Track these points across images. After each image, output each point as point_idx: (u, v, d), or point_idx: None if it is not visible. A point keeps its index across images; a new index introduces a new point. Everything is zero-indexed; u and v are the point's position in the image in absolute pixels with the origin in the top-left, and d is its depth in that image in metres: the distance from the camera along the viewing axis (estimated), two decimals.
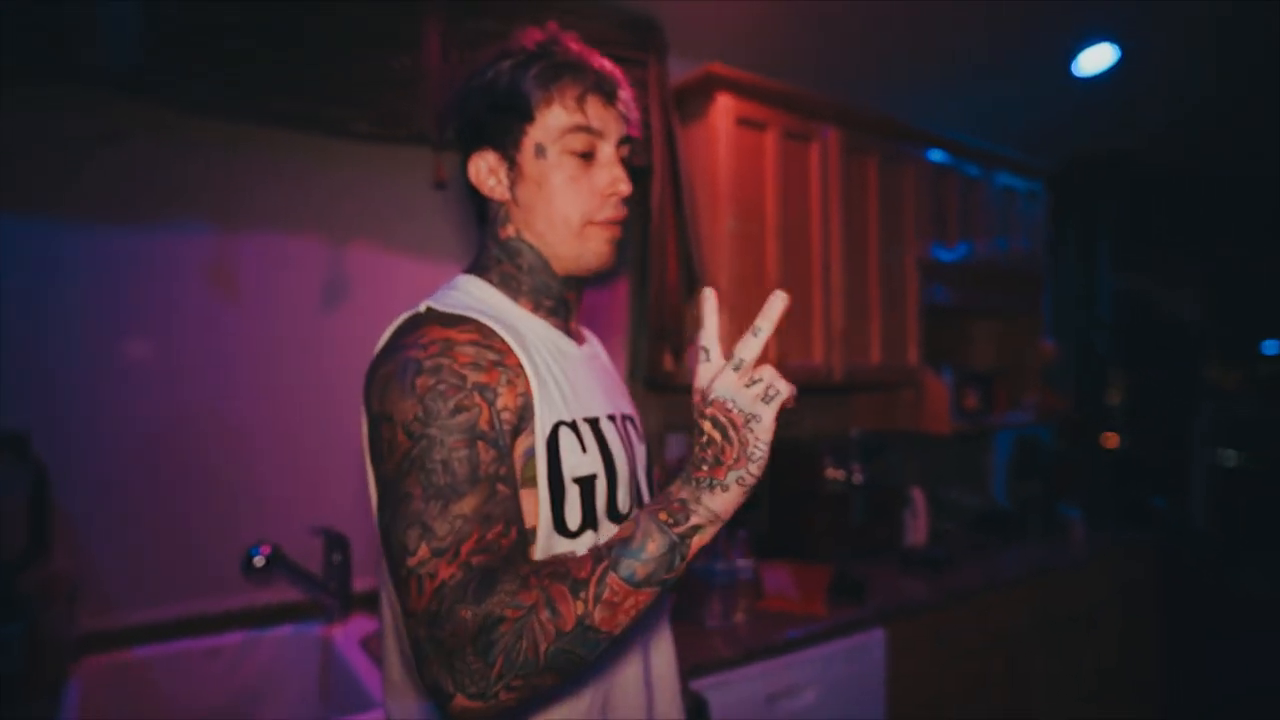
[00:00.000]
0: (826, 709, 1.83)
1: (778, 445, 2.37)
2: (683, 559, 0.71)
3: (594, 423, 0.87)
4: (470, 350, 0.77)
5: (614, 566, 0.68)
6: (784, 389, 0.72)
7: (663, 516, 0.71)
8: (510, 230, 0.92)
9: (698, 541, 0.71)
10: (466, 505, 0.70)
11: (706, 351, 0.76)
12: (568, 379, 0.87)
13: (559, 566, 0.69)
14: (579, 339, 0.98)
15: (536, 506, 0.80)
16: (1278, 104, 3.04)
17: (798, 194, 2.28)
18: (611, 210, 0.90)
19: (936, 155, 2.66)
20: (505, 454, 0.76)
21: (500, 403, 0.77)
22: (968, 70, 2.74)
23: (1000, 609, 2.30)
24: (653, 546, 0.70)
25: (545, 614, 0.66)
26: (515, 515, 0.74)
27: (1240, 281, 4.21)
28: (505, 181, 0.90)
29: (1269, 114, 3.13)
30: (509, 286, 0.92)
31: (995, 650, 2.29)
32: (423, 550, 0.68)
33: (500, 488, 0.73)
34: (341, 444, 1.86)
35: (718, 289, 2.11)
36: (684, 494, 0.72)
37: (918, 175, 2.60)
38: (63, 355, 1.58)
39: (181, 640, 1.62)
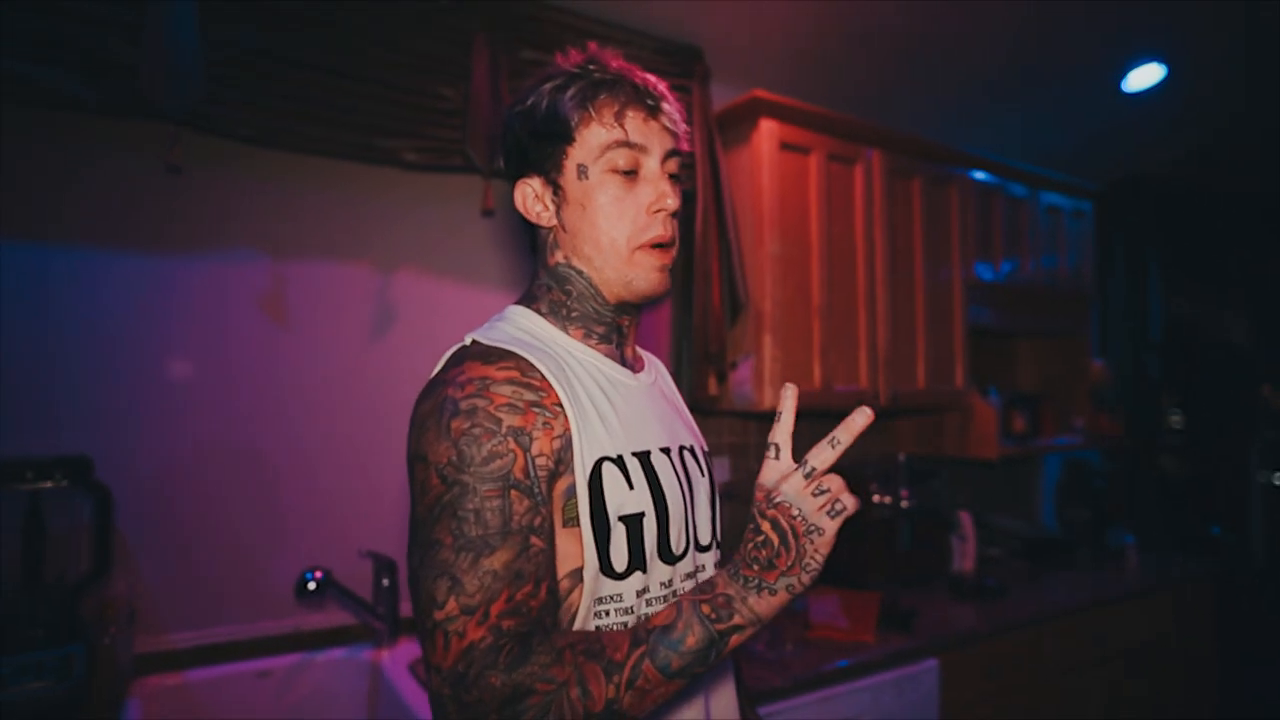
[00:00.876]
0: None
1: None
2: (719, 655, 0.70)
3: (644, 456, 0.84)
4: (507, 390, 0.75)
5: (651, 654, 0.68)
6: (850, 504, 0.70)
7: (706, 609, 0.70)
8: (559, 256, 0.89)
9: (736, 639, 0.71)
10: (497, 560, 0.69)
11: (776, 449, 0.74)
12: (616, 411, 0.84)
13: (594, 644, 0.69)
14: (636, 366, 0.95)
15: (581, 547, 0.77)
16: None
17: (842, 217, 2.27)
18: (660, 228, 0.86)
19: (981, 175, 2.64)
20: (540, 503, 0.74)
21: (535, 448, 0.75)
22: (1013, 90, 2.71)
23: (1053, 639, 2.23)
24: (692, 640, 0.69)
25: (576, 691, 0.66)
26: (546, 571, 0.73)
27: None
28: (551, 207, 0.88)
29: None
30: (558, 315, 0.89)
31: (1048, 683, 2.22)
32: (451, 605, 0.67)
33: (533, 541, 0.72)
34: (389, 468, 1.87)
35: (762, 313, 2.10)
36: (730, 590, 0.71)
37: (962, 196, 2.57)
38: (119, 381, 1.62)
39: (235, 663, 1.64)
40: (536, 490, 0.74)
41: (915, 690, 1.88)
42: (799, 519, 0.69)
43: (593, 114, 0.84)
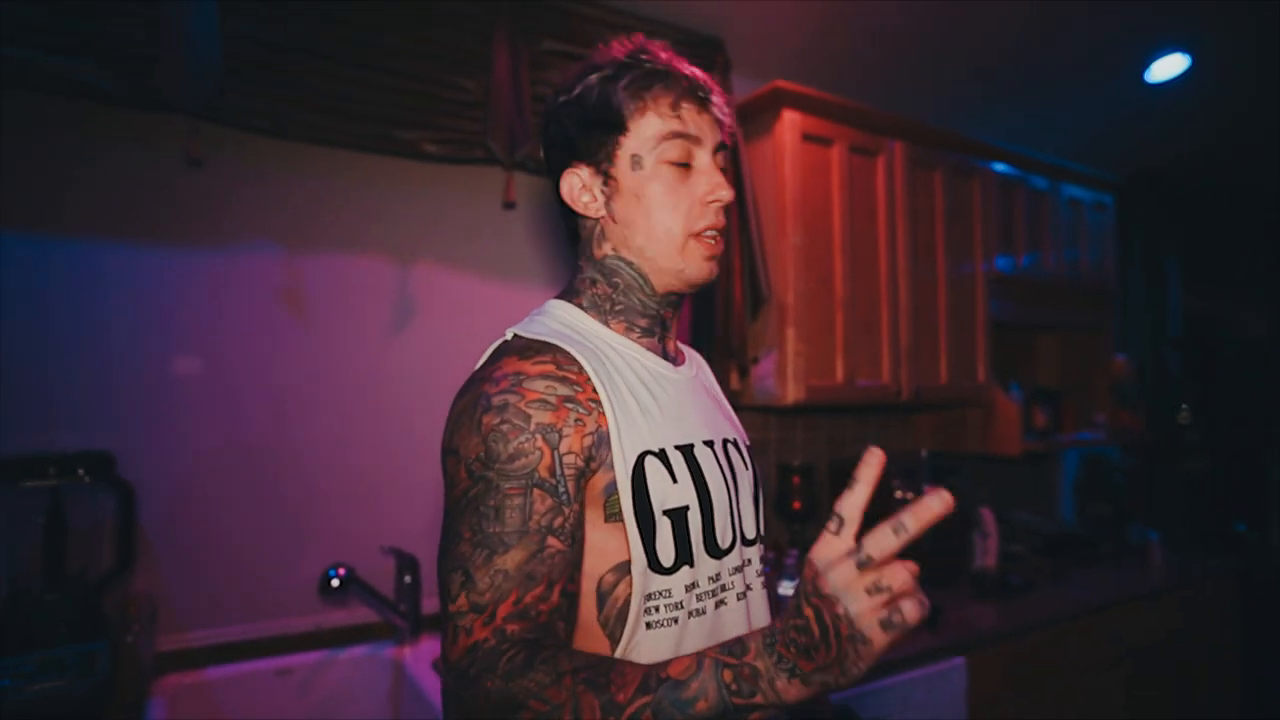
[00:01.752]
0: None
1: (842, 466, 2.32)
2: None
3: (688, 450, 0.82)
4: (540, 386, 0.74)
5: (656, 708, 0.63)
6: (910, 615, 0.58)
7: (727, 677, 0.63)
8: (607, 248, 0.88)
9: (754, 719, 0.64)
10: (510, 560, 0.69)
11: (839, 522, 0.62)
12: (659, 405, 0.83)
13: (600, 675, 0.64)
14: (678, 360, 0.93)
15: (627, 542, 0.76)
16: None
17: (864, 209, 2.24)
18: (713, 217, 0.86)
19: (1002, 168, 2.60)
20: (564, 503, 0.73)
21: (565, 446, 0.73)
22: (1035, 81, 2.68)
23: (1078, 637, 2.21)
24: (703, 706, 0.63)
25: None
26: (560, 573, 0.71)
27: None
28: (600, 197, 0.87)
29: None
30: (600, 309, 0.88)
31: (1073, 681, 2.19)
32: (462, 600, 0.68)
33: (549, 542, 0.71)
34: (412, 463, 1.85)
35: (785, 306, 2.08)
36: (760, 663, 0.63)
37: (984, 188, 2.54)
38: (141, 376, 1.60)
39: (257, 660, 1.62)
40: (562, 489, 0.73)
41: (945, 689, 1.85)
42: (844, 620, 0.58)
43: (649, 104, 0.83)
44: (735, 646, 0.65)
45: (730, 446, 0.91)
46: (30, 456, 1.40)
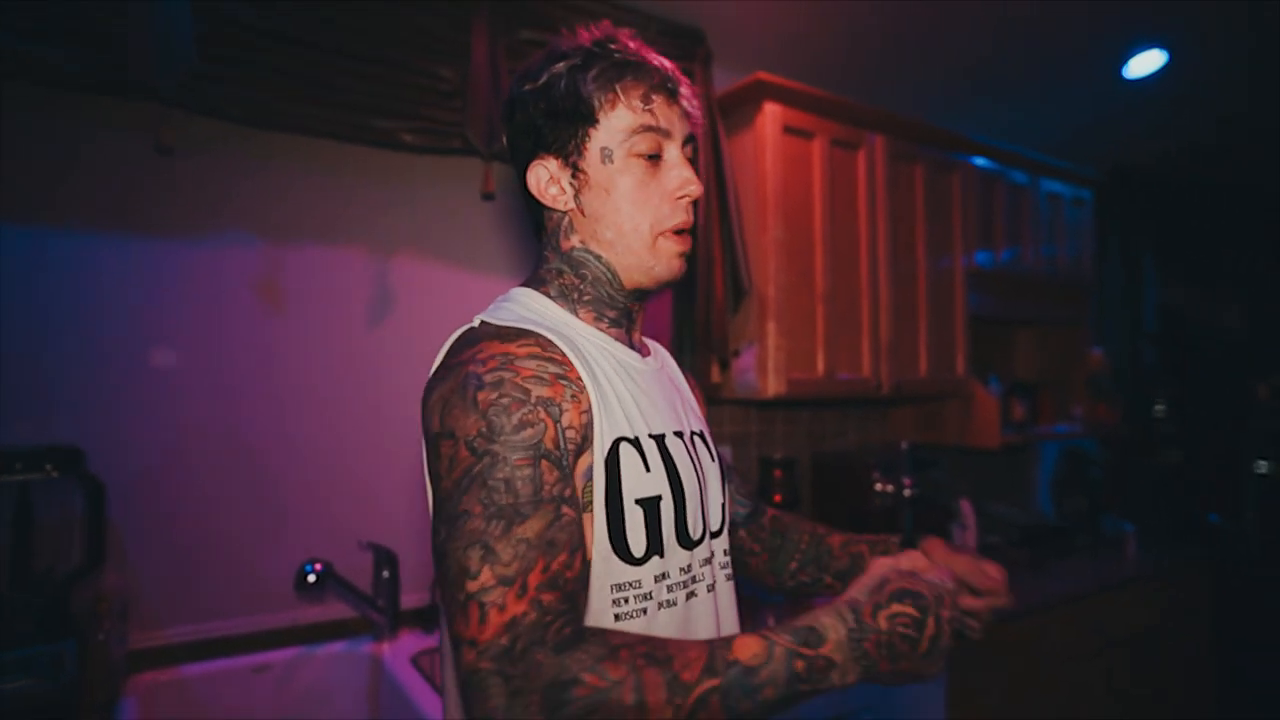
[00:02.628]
0: None
1: (824, 459, 2.35)
2: (787, 704, 0.65)
3: (660, 439, 0.81)
4: (531, 364, 0.73)
5: (724, 692, 0.62)
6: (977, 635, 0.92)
7: (799, 666, 0.64)
8: (575, 240, 0.86)
9: (807, 690, 0.65)
10: (530, 529, 0.65)
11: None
12: (631, 394, 0.82)
13: (660, 651, 0.63)
14: (643, 351, 0.93)
15: (593, 531, 0.75)
16: None
17: (845, 203, 2.24)
18: (683, 214, 0.84)
19: (983, 162, 2.62)
20: (569, 474, 0.71)
21: (565, 420, 0.72)
22: (1014, 76, 2.69)
23: (1057, 627, 2.23)
24: (771, 693, 0.63)
25: (631, 698, 0.59)
26: (579, 541, 0.69)
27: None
28: (569, 190, 0.84)
29: None
30: (568, 299, 0.86)
31: (1052, 671, 2.22)
32: (486, 575, 0.63)
33: (565, 510, 0.68)
34: (389, 457, 1.83)
35: (765, 300, 2.08)
36: (837, 656, 0.65)
37: (964, 182, 2.55)
38: (111, 369, 1.57)
39: (232, 657, 1.60)
40: (565, 461, 0.71)
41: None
42: (948, 634, 0.68)
43: (619, 96, 0.81)
44: (809, 635, 0.65)
45: (697, 438, 0.90)
46: None
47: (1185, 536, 3.00)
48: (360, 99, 1.70)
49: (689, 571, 0.82)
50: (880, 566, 0.72)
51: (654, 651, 0.62)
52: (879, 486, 2.34)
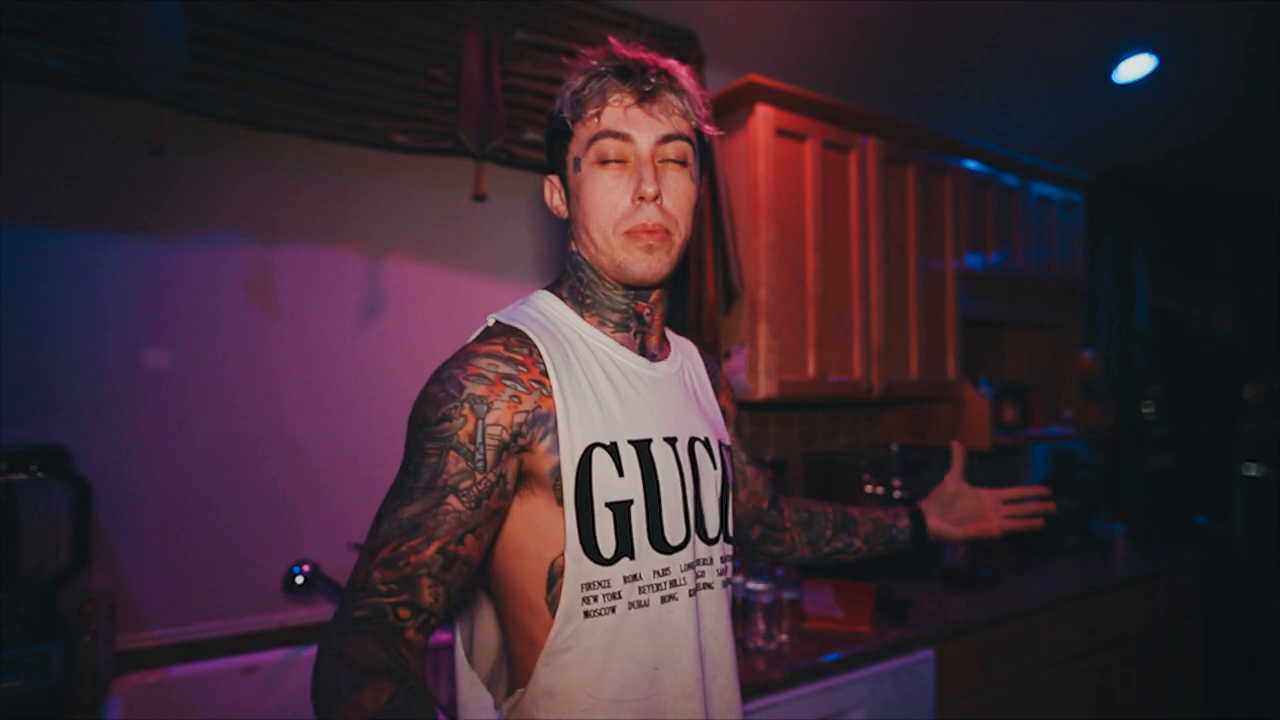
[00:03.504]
0: None
1: (815, 460, 2.37)
2: None
3: (643, 445, 0.83)
4: (483, 362, 0.79)
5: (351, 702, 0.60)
6: None
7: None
8: (572, 245, 0.92)
9: None
10: (407, 511, 0.72)
11: None
12: (620, 398, 0.84)
13: (359, 676, 0.61)
14: (660, 355, 0.95)
15: (564, 529, 0.79)
16: None
17: (836, 205, 2.25)
18: (644, 217, 0.84)
19: (974, 165, 2.63)
20: (479, 469, 0.76)
21: (491, 417, 0.77)
22: (1005, 80, 2.71)
23: (1047, 629, 2.24)
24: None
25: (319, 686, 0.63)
26: (447, 531, 0.73)
27: (1272, 296, 4.14)
28: (564, 201, 0.92)
29: None
30: (577, 300, 0.91)
31: (1042, 672, 2.22)
32: (367, 539, 0.73)
33: (450, 500, 0.73)
34: (379, 458, 1.83)
35: (757, 302, 2.08)
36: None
37: (956, 185, 2.56)
38: (100, 368, 1.56)
39: (220, 659, 1.59)
40: (479, 456, 0.76)
41: (912, 681, 1.87)
42: None
43: (585, 108, 0.85)
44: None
45: (699, 445, 0.91)
46: None
47: (1174, 538, 3.01)
48: (352, 99, 1.69)
49: (666, 575, 0.83)
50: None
51: (354, 673, 0.62)
52: (869, 488, 2.35)
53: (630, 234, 0.84)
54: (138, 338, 1.60)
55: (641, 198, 0.83)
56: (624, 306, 0.90)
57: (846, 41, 2.37)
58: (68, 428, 1.51)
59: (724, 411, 1.08)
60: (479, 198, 1.91)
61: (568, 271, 0.93)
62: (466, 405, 0.76)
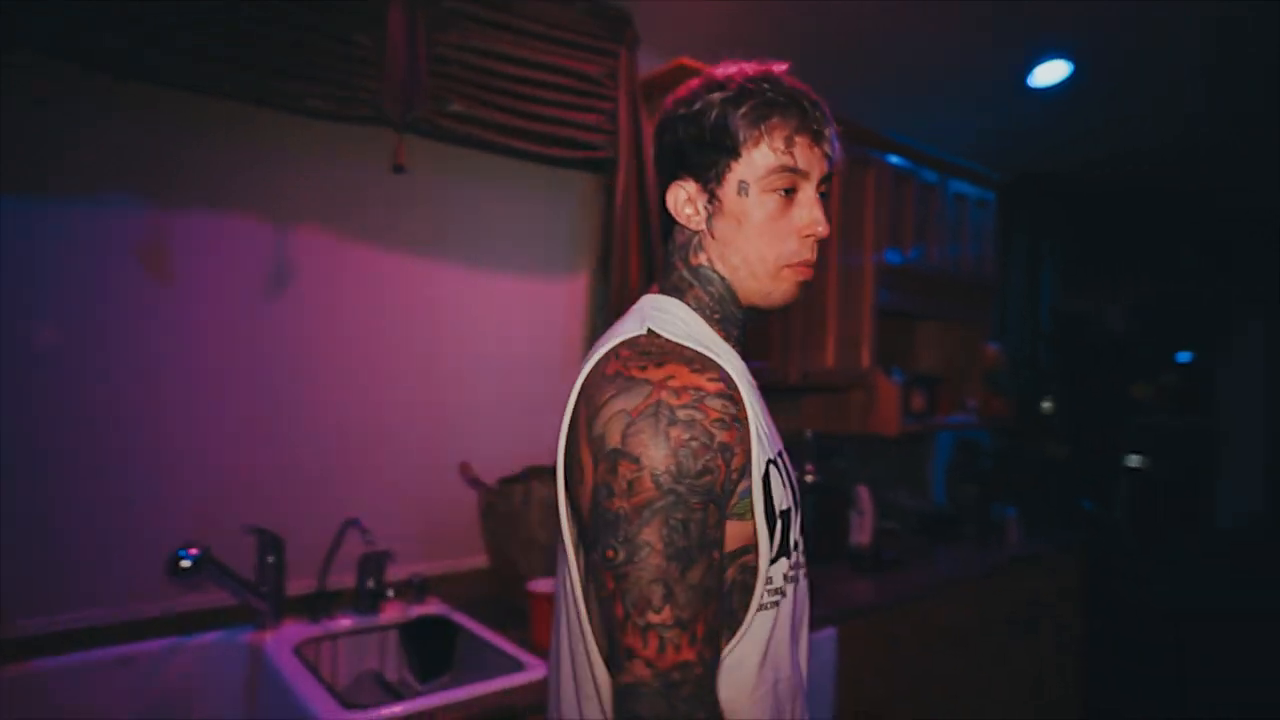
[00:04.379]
0: None
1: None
2: None
3: (781, 456, 0.89)
4: (718, 405, 0.78)
5: None
6: None
7: None
8: (702, 258, 0.92)
9: None
10: (696, 573, 0.74)
11: None
12: (762, 414, 0.88)
13: None
14: None
15: (749, 535, 0.82)
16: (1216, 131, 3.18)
17: None
18: (808, 252, 0.90)
19: (896, 160, 2.68)
20: (724, 517, 0.79)
21: (734, 463, 0.79)
22: (926, 79, 2.76)
23: (945, 609, 2.34)
24: None
25: None
26: (721, 582, 0.78)
27: (1163, 298, 4.42)
28: (703, 212, 0.91)
29: (1203, 138, 3.28)
30: (706, 313, 0.92)
31: (940, 650, 2.33)
32: (667, 613, 0.72)
33: (715, 555, 0.77)
34: (276, 440, 1.75)
35: None
36: None
37: (878, 179, 2.61)
38: None
39: (94, 649, 1.49)
40: (724, 504, 0.79)
41: (815, 658, 1.92)
42: None
43: (764, 134, 0.86)
44: None
45: (785, 454, 0.97)
46: None
47: (1063, 523, 3.20)
48: (264, 60, 1.58)
49: (798, 568, 0.90)
50: None
51: None
52: None
53: (792, 267, 0.89)
54: (8, 306, 1.46)
55: (810, 235, 0.89)
56: (742, 322, 0.95)
57: (779, 31, 2.37)
58: None
59: None
60: (398, 169, 1.82)
61: (690, 282, 0.93)
62: (719, 455, 0.77)
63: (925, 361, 3.31)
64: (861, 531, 2.66)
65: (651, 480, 0.74)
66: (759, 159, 0.87)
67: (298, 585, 1.73)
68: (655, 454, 0.74)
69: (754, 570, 0.82)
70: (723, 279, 0.91)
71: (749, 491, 0.81)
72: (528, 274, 2.17)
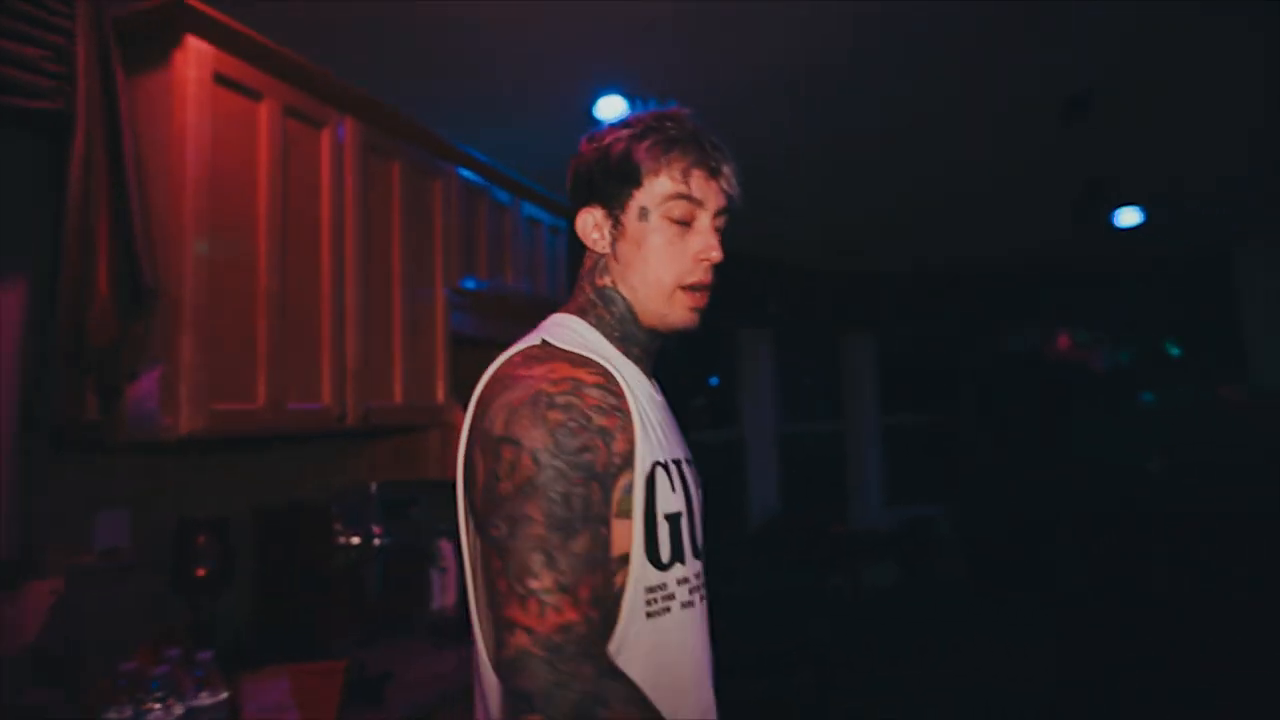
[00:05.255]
0: None
1: (272, 513, 1.98)
2: None
3: (677, 464, 0.93)
4: (596, 393, 0.85)
5: None
6: None
7: None
8: (607, 280, 0.99)
9: None
10: (579, 544, 0.78)
11: None
12: (658, 423, 0.94)
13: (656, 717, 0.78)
14: (653, 385, 1.04)
15: (630, 536, 0.85)
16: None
17: (304, 189, 1.80)
18: (701, 274, 0.97)
19: (468, 174, 2.45)
20: (609, 497, 0.83)
21: (614, 447, 0.84)
22: (497, 94, 2.62)
23: None
24: None
25: None
26: (608, 559, 0.82)
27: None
28: (608, 237, 0.98)
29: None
30: (606, 330, 0.99)
31: None
32: (546, 578, 0.75)
33: (602, 530, 0.81)
34: None
35: (179, 303, 1.50)
36: None
37: (446, 191, 2.34)
38: None
39: None
40: (608, 484, 0.83)
41: None
42: None
43: (664, 166, 0.95)
44: None
45: (686, 465, 0.98)
46: None
47: None
48: None
49: (699, 578, 0.94)
50: None
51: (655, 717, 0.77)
52: (343, 539, 1.93)
53: (686, 289, 0.97)
54: None
55: (705, 260, 0.97)
56: (645, 343, 1.01)
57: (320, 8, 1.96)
58: None
59: None
60: None
61: (594, 301, 1.00)
62: (598, 436, 0.82)
63: None
64: (445, 592, 2.32)
65: (531, 458, 0.79)
66: (658, 187, 0.95)
67: None
68: (534, 434, 0.80)
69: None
70: (624, 299, 0.98)
71: (631, 488, 0.86)
72: None
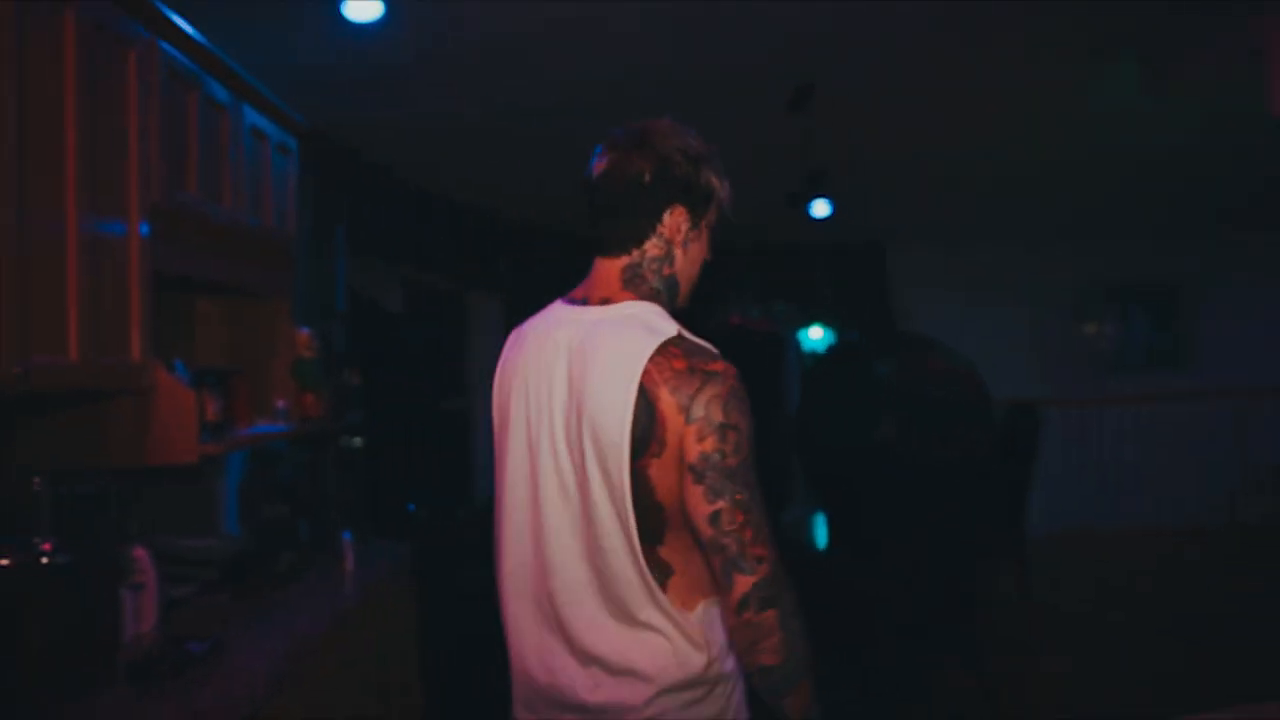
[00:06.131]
0: None
1: None
2: None
3: None
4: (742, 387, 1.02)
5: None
6: None
7: None
8: (668, 270, 1.13)
9: None
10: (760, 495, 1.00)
11: None
12: None
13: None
14: None
15: None
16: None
17: None
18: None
19: (174, 52, 1.81)
20: None
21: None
22: None
23: (293, 682, 1.67)
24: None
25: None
26: None
27: (424, 285, 4.59)
28: (682, 235, 1.11)
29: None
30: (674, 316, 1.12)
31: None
32: (767, 528, 0.99)
33: None
34: None
35: None
36: None
37: (143, 71, 1.69)
38: None
39: None
40: None
41: None
42: None
43: (720, 189, 1.13)
44: None
45: None
46: None
47: (390, 530, 2.87)
48: None
49: None
50: None
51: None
52: None
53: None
54: None
55: (707, 259, 1.20)
56: None
57: None
58: None
59: None
60: None
61: (659, 291, 1.12)
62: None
63: (209, 352, 2.47)
64: (142, 617, 1.73)
65: (747, 441, 0.99)
66: (714, 206, 1.14)
67: None
68: (746, 422, 1.00)
69: None
70: (674, 288, 1.14)
71: None
72: None
